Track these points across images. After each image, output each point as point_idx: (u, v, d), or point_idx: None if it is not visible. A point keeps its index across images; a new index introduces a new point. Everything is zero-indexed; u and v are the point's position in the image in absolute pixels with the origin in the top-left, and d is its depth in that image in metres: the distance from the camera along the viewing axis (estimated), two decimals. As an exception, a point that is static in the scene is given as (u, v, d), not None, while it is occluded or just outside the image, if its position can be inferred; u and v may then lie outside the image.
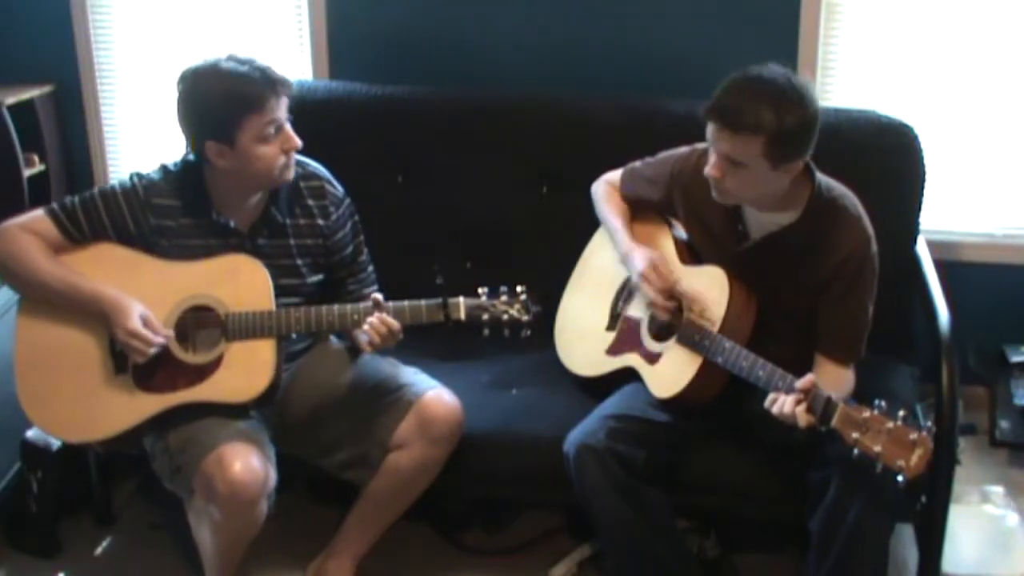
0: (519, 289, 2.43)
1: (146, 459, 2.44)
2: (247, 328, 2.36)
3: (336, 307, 2.41)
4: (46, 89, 3.55)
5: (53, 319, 2.38)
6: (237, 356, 2.36)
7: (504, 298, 2.41)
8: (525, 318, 2.40)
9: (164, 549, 2.80)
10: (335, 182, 2.56)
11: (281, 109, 2.34)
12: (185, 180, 2.42)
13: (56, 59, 3.55)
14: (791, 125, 2.18)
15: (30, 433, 2.74)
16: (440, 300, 2.37)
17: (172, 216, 2.41)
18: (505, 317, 2.39)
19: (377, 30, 3.36)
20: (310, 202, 2.51)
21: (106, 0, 3.50)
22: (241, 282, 2.39)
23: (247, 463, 2.25)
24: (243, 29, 3.46)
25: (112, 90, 3.60)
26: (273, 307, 2.38)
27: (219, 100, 2.29)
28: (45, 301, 2.37)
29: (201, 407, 2.34)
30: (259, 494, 2.28)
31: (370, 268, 2.65)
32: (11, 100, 3.40)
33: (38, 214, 2.39)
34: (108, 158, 3.66)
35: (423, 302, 2.38)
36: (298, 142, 2.38)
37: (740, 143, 2.20)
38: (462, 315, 2.38)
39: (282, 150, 2.35)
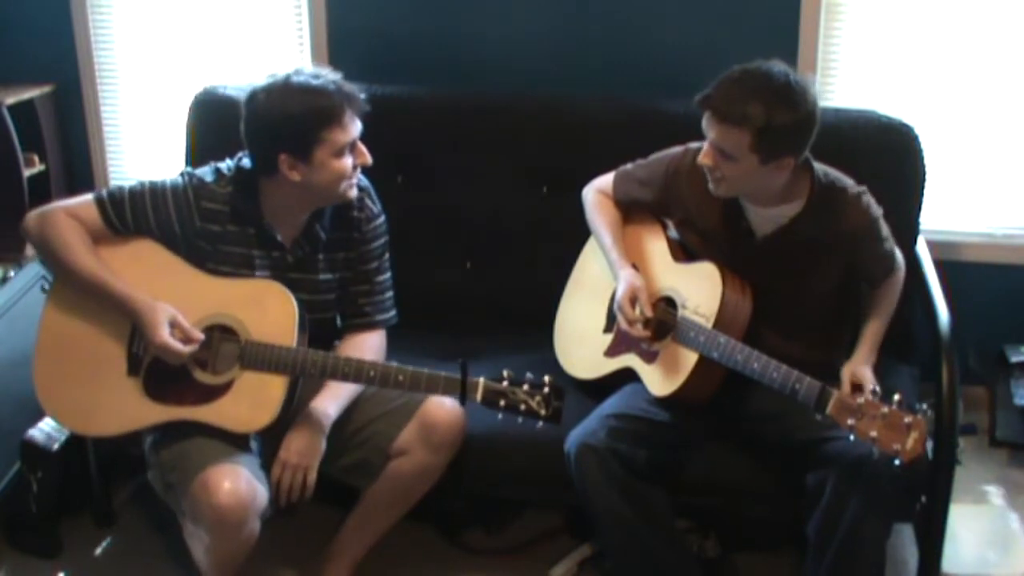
0: (546, 379, 2.27)
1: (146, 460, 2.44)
2: (263, 360, 2.31)
3: (355, 359, 2.34)
4: (46, 89, 3.55)
5: (79, 309, 2.37)
6: (247, 386, 2.32)
7: (526, 387, 2.26)
8: (543, 413, 2.25)
9: (164, 549, 2.80)
10: (375, 196, 2.55)
11: (356, 124, 2.33)
12: (238, 187, 2.39)
13: (56, 59, 3.54)
14: (780, 122, 2.18)
15: (30, 433, 2.74)
16: (459, 377, 2.26)
17: (219, 221, 2.38)
18: (523, 407, 2.26)
19: (377, 30, 3.36)
20: (355, 214, 2.50)
21: (106, 0, 3.50)
22: (268, 311, 2.34)
23: (233, 486, 2.22)
24: (243, 29, 3.46)
25: (112, 90, 3.60)
26: (294, 343, 2.32)
27: (299, 114, 2.26)
28: (77, 289, 2.36)
29: (199, 424, 2.33)
30: (246, 516, 2.25)
31: (389, 294, 2.58)
32: (11, 100, 3.40)
33: (87, 199, 2.37)
34: (108, 158, 3.65)
35: (442, 375, 2.28)
36: (369, 159, 2.37)
37: (727, 134, 2.22)
38: (478, 397, 2.27)
39: (353, 165, 2.35)
